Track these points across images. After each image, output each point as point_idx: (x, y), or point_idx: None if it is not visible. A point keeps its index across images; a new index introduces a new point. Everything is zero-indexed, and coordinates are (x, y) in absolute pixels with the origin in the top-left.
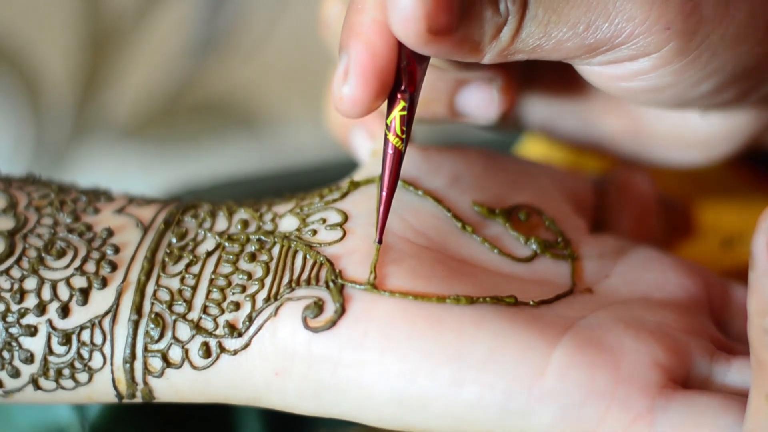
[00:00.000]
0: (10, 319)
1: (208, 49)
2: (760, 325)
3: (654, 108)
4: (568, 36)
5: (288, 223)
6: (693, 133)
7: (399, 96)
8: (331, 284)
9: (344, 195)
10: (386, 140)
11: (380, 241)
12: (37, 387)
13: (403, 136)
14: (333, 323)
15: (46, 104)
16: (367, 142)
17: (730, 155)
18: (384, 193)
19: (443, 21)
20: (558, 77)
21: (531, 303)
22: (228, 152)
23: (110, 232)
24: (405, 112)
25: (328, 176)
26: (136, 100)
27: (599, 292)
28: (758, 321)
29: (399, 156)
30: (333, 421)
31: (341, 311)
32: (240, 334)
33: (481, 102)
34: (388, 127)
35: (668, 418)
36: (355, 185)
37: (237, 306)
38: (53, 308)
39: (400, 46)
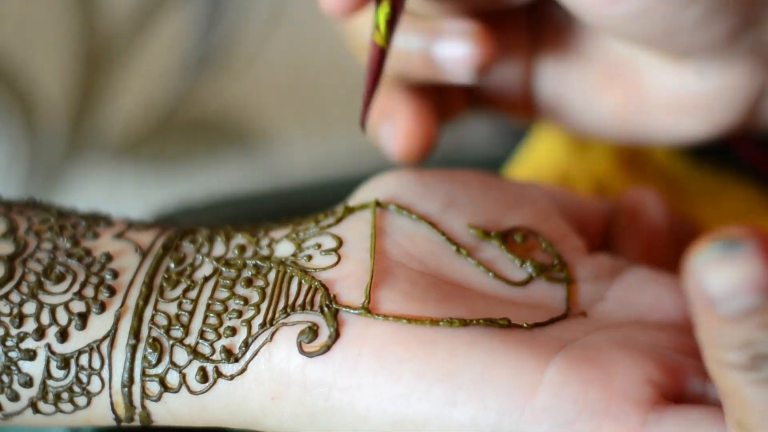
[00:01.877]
0: (9, 343)
1: (202, 67)
2: (712, 357)
3: (644, 47)
4: None
5: (284, 249)
6: (693, 98)
7: None
8: (325, 309)
9: (339, 220)
10: (372, 41)
11: (363, 123)
12: (36, 410)
13: (386, 36)
14: (327, 348)
15: (40, 122)
16: (395, 136)
17: (731, 124)
18: (365, 90)
19: None
20: (563, 47)
21: (524, 325)
22: (222, 170)
23: (109, 257)
24: (388, 9)
25: (323, 195)
26: (131, 117)
27: (594, 315)
28: (709, 353)
29: (381, 54)
30: None
31: (335, 336)
32: (236, 359)
33: (457, 52)
34: (375, 27)
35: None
36: (349, 210)
37: (233, 331)
38: (52, 333)
39: None
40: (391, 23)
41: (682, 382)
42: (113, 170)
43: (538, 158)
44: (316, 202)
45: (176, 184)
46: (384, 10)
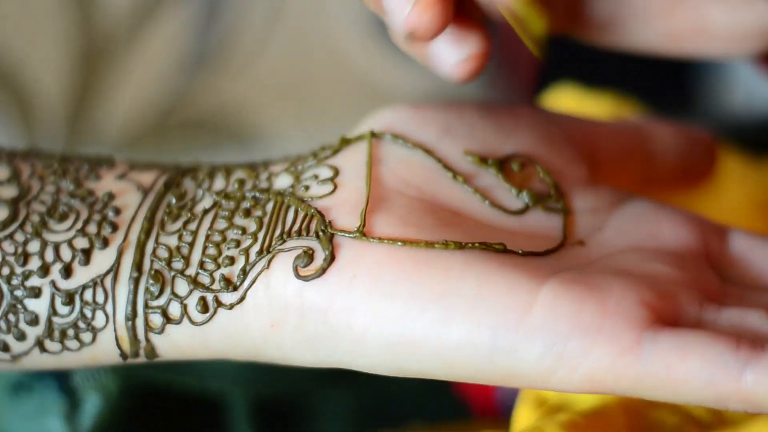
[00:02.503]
0: (14, 282)
1: (199, 65)
2: None
3: None
4: None
5: (283, 181)
6: (746, 30)
7: None
8: (320, 234)
9: (336, 152)
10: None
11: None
12: (43, 349)
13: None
14: (323, 270)
15: (37, 120)
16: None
17: (762, 51)
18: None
19: None
20: None
21: (519, 252)
22: None
23: (111, 196)
24: None
25: None
26: (128, 116)
27: (591, 244)
28: None
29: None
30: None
31: (330, 258)
32: (235, 288)
33: (397, 3)
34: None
35: (655, 350)
36: (346, 142)
37: (232, 260)
38: (56, 269)
39: None
40: None
41: (678, 309)
42: None
43: None
44: None
45: None
46: None
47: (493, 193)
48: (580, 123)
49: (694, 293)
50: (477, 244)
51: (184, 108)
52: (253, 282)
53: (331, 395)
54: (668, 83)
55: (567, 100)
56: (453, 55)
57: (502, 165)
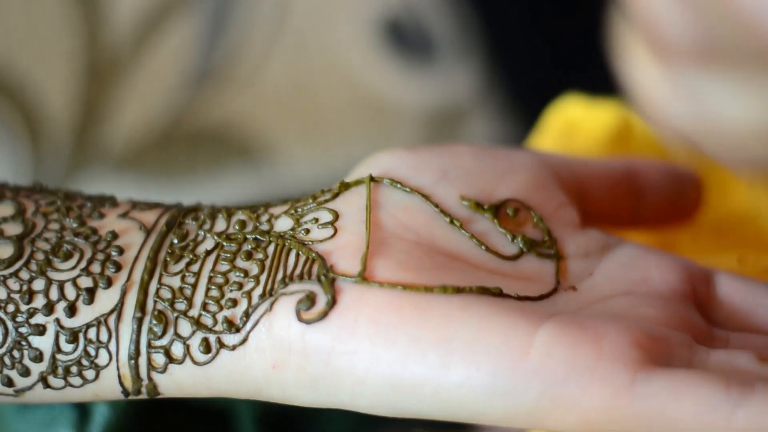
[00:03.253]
0: (19, 319)
1: (204, 81)
2: None
3: None
4: None
5: (283, 224)
6: None
7: None
8: (322, 278)
9: (335, 195)
10: None
11: None
12: (47, 385)
13: None
14: (325, 314)
15: (43, 135)
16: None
17: None
18: None
19: None
20: None
21: (515, 296)
22: (224, 183)
23: (114, 235)
24: None
25: None
26: (133, 131)
27: (583, 289)
28: None
29: None
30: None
31: (332, 302)
32: (238, 330)
33: None
34: None
35: (649, 390)
36: (345, 186)
37: (234, 303)
38: (61, 308)
39: None
40: None
41: (670, 350)
42: (116, 183)
43: None
44: None
45: (178, 198)
46: None
47: (488, 237)
48: (570, 164)
49: (685, 336)
50: (474, 288)
51: (189, 122)
52: (255, 324)
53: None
54: None
55: (572, 110)
56: None
57: (497, 210)
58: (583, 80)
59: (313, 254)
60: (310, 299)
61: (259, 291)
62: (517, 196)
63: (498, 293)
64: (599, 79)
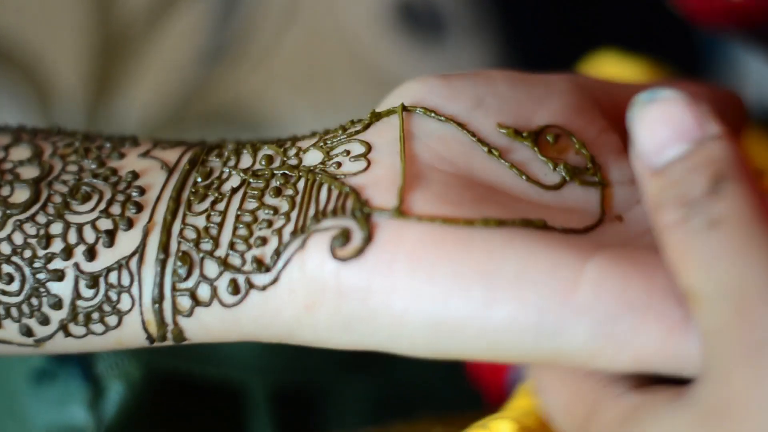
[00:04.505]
0: (37, 264)
1: (217, 58)
2: (656, 224)
3: None
4: None
5: (312, 157)
6: None
7: None
8: (357, 213)
9: (366, 126)
10: None
11: None
12: (67, 333)
13: None
14: (361, 251)
15: (56, 111)
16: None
17: None
18: None
19: None
20: None
21: (559, 229)
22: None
23: (135, 175)
24: None
25: None
26: (146, 108)
27: (630, 219)
28: (654, 220)
29: None
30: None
31: (368, 239)
32: (268, 269)
33: None
34: None
35: None
36: (377, 116)
37: (264, 241)
38: (79, 251)
39: None
40: None
41: None
42: None
43: None
44: None
45: None
46: None
47: (528, 167)
48: (610, 87)
49: None
50: (517, 221)
51: (201, 99)
52: (287, 263)
53: (348, 384)
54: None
55: (607, 65)
56: None
57: (536, 137)
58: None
59: (347, 188)
60: (345, 235)
61: (290, 228)
62: (556, 122)
63: (542, 225)
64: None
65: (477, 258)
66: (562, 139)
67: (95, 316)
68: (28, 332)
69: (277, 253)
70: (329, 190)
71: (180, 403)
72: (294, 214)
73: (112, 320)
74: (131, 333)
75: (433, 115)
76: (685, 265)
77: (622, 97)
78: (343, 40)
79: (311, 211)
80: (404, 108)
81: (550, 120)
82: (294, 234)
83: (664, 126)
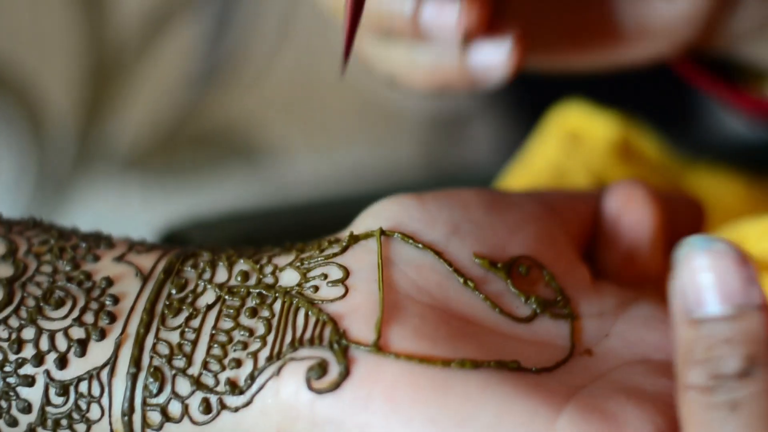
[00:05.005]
0: (7, 368)
1: (209, 81)
2: (678, 379)
3: None
4: None
5: (288, 277)
6: (660, 22)
7: None
8: (335, 345)
9: (344, 249)
10: None
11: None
12: None
13: None
14: (337, 385)
15: (48, 134)
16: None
17: (687, 44)
18: (345, 33)
19: None
20: None
21: (533, 370)
22: (228, 183)
23: (109, 282)
24: None
25: (328, 211)
26: (139, 131)
27: (599, 353)
28: (677, 373)
29: None
30: None
31: (345, 373)
32: (242, 392)
33: (440, 19)
34: None
35: None
36: (354, 239)
37: (238, 363)
38: (51, 359)
39: None
40: None
41: None
42: (120, 183)
43: (533, 160)
44: (322, 217)
45: (183, 197)
46: None
47: (502, 298)
48: (575, 203)
49: None
50: (492, 363)
51: (194, 122)
52: (261, 387)
53: None
54: (670, 99)
55: (573, 117)
56: (496, 54)
57: (509, 268)
58: (586, 84)
59: (324, 316)
60: (322, 367)
61: (265, 353)
62: (528, 252)
63: (515, 367)
64: (601, 84)
65: (453, 404)
66: (533, 271)
67: (64, 422)
68: None
69: (252, 378)
70: (306, 316)
71: None
72: (270, 338)
73: (80, 428)
74: None
75: (411, 242)
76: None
77: (586, 212)
78: (336, 64)
79: (288, 338)
80: (382, 232)
81: (523, 249)
82: (270, 360)
83: (711, 279)
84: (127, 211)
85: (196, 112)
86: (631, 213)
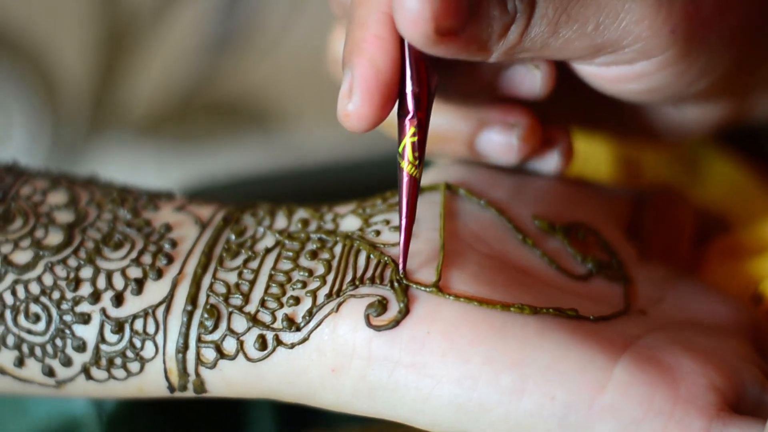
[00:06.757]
0: (64, 306)
1: (223, 48)
2: None
3: (643, 103)
4: (577, 35)
5: (350, 223)
6: (666, 123)
7: (408, 122)
8: (395, 284)
9: None
10: (400, 168)
11: (404, 269)
12: (89, 377)
13: (417, 162)
14: (396, 323)
15: (62, 101)
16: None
17: (698, 137)
18: (404, 222)
19: (451, 21)
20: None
21: (591, 318)
22: (242, 150)
23: (168, 227)
24: (415, 138)
25: (340, 176)
26: (152, 97)
27: (652, 315)
28: None
29: (415, 183)
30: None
31: (405, 311)
32: (298, 328)
33: (501, 147)
34: (400, 155)
35: None
36: (420, 190)
37: (297, 301)
38: (107, 297)
39: (406, 65)
40: (420, 149)
41: (741, 390)
42: (134, 149)
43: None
44: (333, 182)
45: (196, 163)
46: (411, 138)
47: (558, 257)
48: (620, 196)
49: (756, 372)
50: (551, 310)
51: (207, 89)
52: (318, 324)
53: None
54: None
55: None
56: (548, 167)
57: (567, 232)
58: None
59: (386, 258)
60: (382, 305)
61: (325, 290)
62: (587, 222)
63: (574, 315)
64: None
65: (511, 346)
66: (589, 237)
67: (118, 361)
68: (50, 372)
69: (310, 314)
70: (367, 258)
71: (182, 403)
72: (330, 278)
73: (134, 366)
74: (152, 381)
75: (474, 198)
76: None
77: (628, 205)
78: None
79: (348, 276)
80: (447, 186)
81: (578, 219)
82: (329, 296)
83: None
84: (142, 177)
85: (209, 79)
86: (673, 212)
